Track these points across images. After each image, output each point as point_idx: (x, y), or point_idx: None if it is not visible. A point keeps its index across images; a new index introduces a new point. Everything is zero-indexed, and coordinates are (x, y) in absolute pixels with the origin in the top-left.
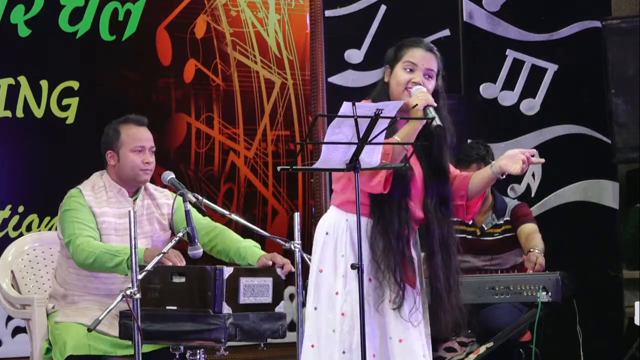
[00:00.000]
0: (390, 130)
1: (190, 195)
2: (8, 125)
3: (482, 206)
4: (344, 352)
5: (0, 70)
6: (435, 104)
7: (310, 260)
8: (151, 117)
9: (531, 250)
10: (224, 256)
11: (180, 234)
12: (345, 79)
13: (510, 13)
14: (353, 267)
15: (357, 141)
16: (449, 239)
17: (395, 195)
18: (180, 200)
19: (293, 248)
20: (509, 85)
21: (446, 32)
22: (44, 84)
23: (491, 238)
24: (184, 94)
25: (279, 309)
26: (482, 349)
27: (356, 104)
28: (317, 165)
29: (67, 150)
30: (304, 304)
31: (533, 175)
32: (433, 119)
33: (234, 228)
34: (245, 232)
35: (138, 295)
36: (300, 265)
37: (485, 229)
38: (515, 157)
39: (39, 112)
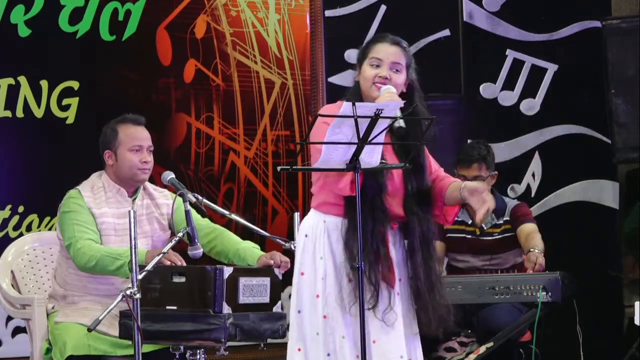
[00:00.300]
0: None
1: (190, 195)
2: (8, 125)
3: None
4: (328, 355)
5: (0, 70)
6: (402, 103)
7: None
8: (151, 117)
9: (531, 250)
10: (223, 257)
11: (180, 234)
12: (345, 79)
13: (510, 13)
14: (353, 267)
15: (357, 141)
16: (429, 236)
17: (368, 196)
18: (180, 200)
19: (293, 248)
20: (509, 85)
21: (446, 32)
22: (44, 84)
23: (491, 238)
24: (184, 94)
25: (277, 308)
26: (482, 349)
27: (357, 103)
28: (317, 165)
29: (67, 150)
30: None
31: (533, 175)
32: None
33: (233, 228)
34: (245, 233)
35: (138, 295)
36: None
37: (485, 228)
38: (481, 200)
39: (39, 112)
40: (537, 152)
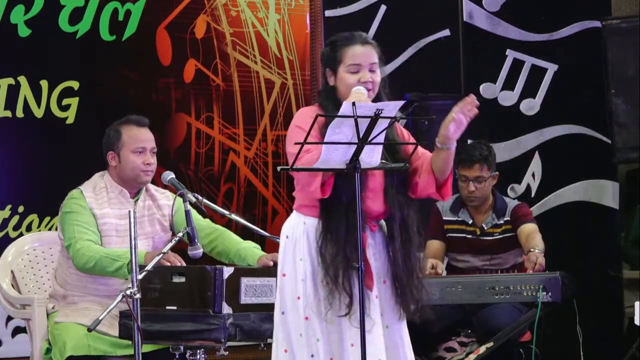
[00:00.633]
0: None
1: (190, 196)
2: (8, 125)
3: (482, 206)
4: (312, 356)
5: (0, 70)
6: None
7: None
8: (151, 117)
9: (531, 250)
10: (224, 257)
11: (180, 234)
12: None
13: (510, 13)
14: (353, 267)
15: (357, 141)
16: (408, 222)
17: (342, 199)
18: (180, 200)
19: None
20: (509, 85)
21: (446, 32)
22: (44, 84)
23: (491, 238)
24: (184, 94)
25: None
26: (482, 349)
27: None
28: (317, 165)
29: (67, 150)
30: None
31: (533, 175)
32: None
33: (234, 228)
34: (245, 233)
35: (138, 295)
36: None
37: (485, 228)
38: (447, 117)
39: (39, 112)
40: (537, 152)
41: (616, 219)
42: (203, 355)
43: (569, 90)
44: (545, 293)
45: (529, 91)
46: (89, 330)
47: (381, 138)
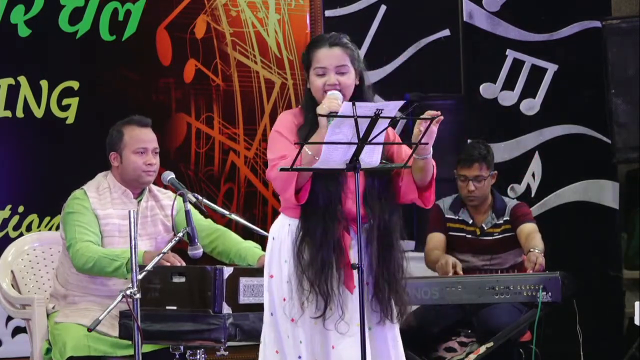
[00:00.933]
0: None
1: (190, 195)
2: (8, 125)
3: (482, 206)
4: (299, 357)
5: (0, 70)
6: (338, 109)
7: None
8: (151, 117)
9: (531, 250)
10: (225, 257)
11: (180, 234)
12: None
13: (510, 13)
14: (353, 267)
15: (357, 141)
16: (390, 226)
17: (320, 202)
18: (180, 200)
19: None
20: (509, 85)
21: (446, 32)
22: (44, 84)
23: (491, 238)
24: (184, 94)
25: None
26: (482, 349)
27: (357, 103)
28: (317, 165)
29: (67, 150)
30: None
31: (533, 175)
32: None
33: (234, 228)
34: (245, 233)
35: (138, 295)
36: None
37: (485, 228)
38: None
39: (39, 112)
40: (537, 152)
41: (616, 219)
42: (203, 355)
43: (569, 90)
44: (545, 293)
45: (529, 91)
46: (89, 330)
47: (381, 138)
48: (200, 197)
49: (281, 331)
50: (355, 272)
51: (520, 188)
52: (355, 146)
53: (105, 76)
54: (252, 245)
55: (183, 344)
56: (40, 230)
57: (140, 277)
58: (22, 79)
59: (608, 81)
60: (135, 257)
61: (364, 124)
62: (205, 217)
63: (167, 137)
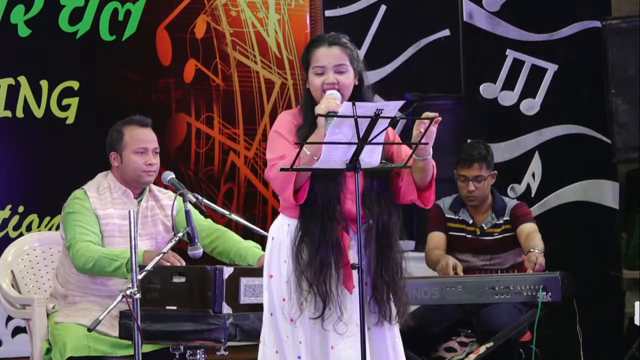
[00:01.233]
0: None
1: (190, 195)
2: (8, 125)
3: (482, 205)
4: (299, 358)
5: (0, 70)
6: (336, 108)
7: None
8: (151, 117)
9: (531, 250)
10: (225, 257)
11: (180, 234)
12: None
13: (510, 13)
14: (353, 267)
15: (357, 141)
16: (389, 227)
17: (318, 202)
18: (180, 200)
19: None
20: (509, 85)
21: (446, 32)
22: (44, 84)
23: (491, 238)
24: (184, 94)
25: None
26: (482, 349)
27: (357, 103)
28: (317, 165)
29: (67, 150)
30: None
31: (533, 175)
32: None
33: (234, 228)
34: (245, 232)
35: (138, 295)
36: None
37: (485, 228)
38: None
39: (39, 112)
40: (537, 152)
41: (616, 219)
42: (203, 355)
43: (569, 90)
44: (545, 293)
45: (529, 91)
46: (89, 330)
47: (381, 138)
48: (200, 197)
49: (281, 331)
50: (354, 272)
51: (520, 188)
52: (355, 146)
53: (105, 76)
54: (252, 245)
55: (183, 344)
56: (40, 230)
57: (140, 277)
58: (22, 79)
59: (608, 81)
60: (135, 257)
61: (364, 124)
62: (205, 217)
63: (167, 137)
